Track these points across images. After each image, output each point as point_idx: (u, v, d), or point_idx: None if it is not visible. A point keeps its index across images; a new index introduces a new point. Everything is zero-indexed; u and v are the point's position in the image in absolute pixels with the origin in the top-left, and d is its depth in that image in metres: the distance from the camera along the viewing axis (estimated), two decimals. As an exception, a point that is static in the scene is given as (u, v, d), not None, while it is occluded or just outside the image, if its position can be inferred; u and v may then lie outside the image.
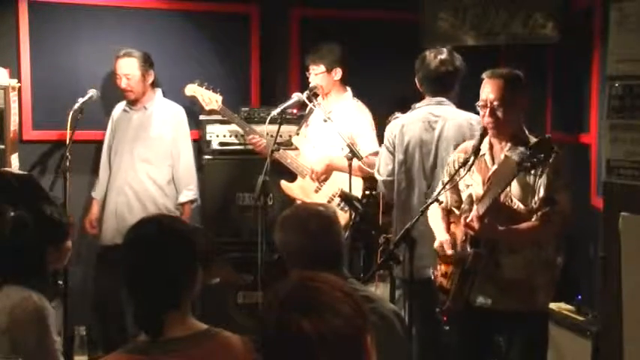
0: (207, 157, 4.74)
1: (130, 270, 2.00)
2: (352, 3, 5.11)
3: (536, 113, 4.85)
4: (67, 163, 4.15)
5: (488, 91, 3.18)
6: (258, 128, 4.44)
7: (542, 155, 2.94)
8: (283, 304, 1.39)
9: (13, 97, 4.36)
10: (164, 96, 4.70)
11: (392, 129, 3.91)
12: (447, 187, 3.28)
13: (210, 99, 4.53)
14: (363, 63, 4.87)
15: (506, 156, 3.15)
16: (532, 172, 3.07)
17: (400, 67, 5.06)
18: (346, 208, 3.99)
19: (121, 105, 4.67)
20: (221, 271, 4.61)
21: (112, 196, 4.59)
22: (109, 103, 4.78)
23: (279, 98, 4.56)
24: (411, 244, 2.98)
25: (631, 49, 3.39)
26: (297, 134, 4.51)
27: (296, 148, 4.46)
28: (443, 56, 3.84)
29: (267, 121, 4.19)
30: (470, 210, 3.19)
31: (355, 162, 3.99)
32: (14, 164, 4.29)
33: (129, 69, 4.50)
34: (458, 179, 3.26)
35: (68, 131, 4.26)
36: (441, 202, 3.34)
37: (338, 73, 4.38)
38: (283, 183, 4.43)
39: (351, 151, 3.93)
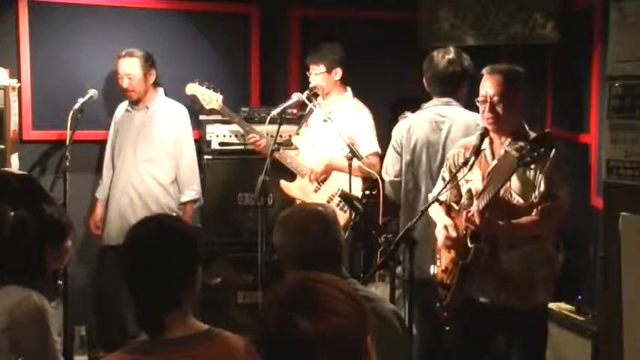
0: (207, 157, 4.74)
1: (131, 270, 2.00)
2: (352, 3, 5.11)
3: (536, 113, 4.86)
4: (67, 163, 4.15)
5: (487, 86, 3.19)
6: (258, 128, 4.44)
7: (543, 150, 2.95)
8: (283, 304, 1.39)
9: (13, 97, 4.36)
10: (165, 96, 4.71)
11: (399, 129, 3.91)
12: (448, 187, 3.29)
13: (211, 98, 4.53)
14: (363, 63, 4.87)
15: (506, 151, 3.15)
16: (532, 166, 3.08)
17: (400, 67, 5.10)
18: (346, 208, 3.99)
19: (124, 105, 4.68)
20: (221, 271, 4.62)
21: (115, 197, 4.60)
22: (109, 103, 4.79)
23: (279, 98, 4.56)
24: (411, 244, 2.98)
25: (631, 49, 3.39)
26: (297, 134, 4.51)
27: (296, 148, 4.46)
28: (451, 56, 3.84)
29: (267, 121, 4.19)
30: (470, 205, 3.20)
31: (355, 162, 3.99)
32: (14, 164, 4.29)
33: (131, 69, 4.50)
34: (459, 179, 3.26)
35: (68, 131, 4.26)
36: (442, 202, 3.34)
37: (338, 73, 4.38)
38: (283, 183, 4.43)
39: (351, 151, 3.93)
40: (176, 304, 1.97)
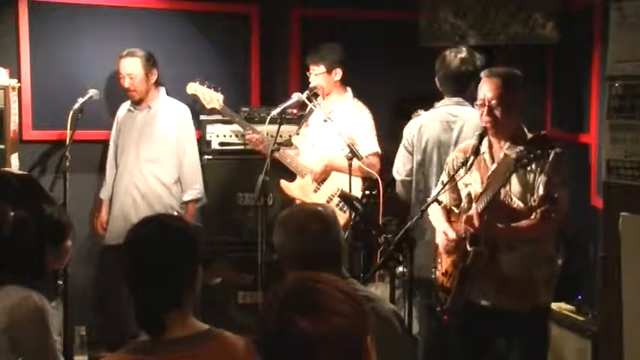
0: (207, 157, 4.74)
1: (131, 270, 2.00)
2: (352, 3, 5.11)
3: (536, 113, 4.86)
4: (67, 163, 4.15)
5: (486, 89, 3.19)
6: (259, 128, 4.44)
7: (539, 151, 2.95)
8: (283, 305, 1.39)
9: (13, 97, 4.36)
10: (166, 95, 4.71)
11: (410, 128, 3.89)
12: (447, 187, 3.29)
13: (212, 97, 4.53)
14: (363, 63, 4.87)
15: (505, 155, 3.15)
16: (529, 168, 3.08)
17: (400, 67, 5.10)
18: (346, 208, 3.99)
19: (126, 105, 4.68)
20: (221, 271, 4.62)
21: (118, 197, 4.60)
22: (109, 103, 4.79)
23: (279, 98, 4.56)
24: (411, 244, 2.98)
25: (631, 49, 3.39)
26: (297, 134, 4.51)
27: (296, 148, 4.46)
28: (463, 55, 3.83)
29: (267, 121, 4.19)
30: (469, 208, 3.20)
31: (355, 162, 3.99)
32: (14, 164, 4.29)
33: (132, 68, 4.50)
34: (457, 179, 3.26)
35: (68, 131, 4.26)
36: (441, 202, 3.34)
37: (338, 73, 4.38)
38: (283, 183, 4.43)
39: (351, 151, 3.93)
40: (176, 304, 1.97)
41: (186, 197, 4.64)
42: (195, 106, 4.70)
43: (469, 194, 3.28)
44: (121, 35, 4.78)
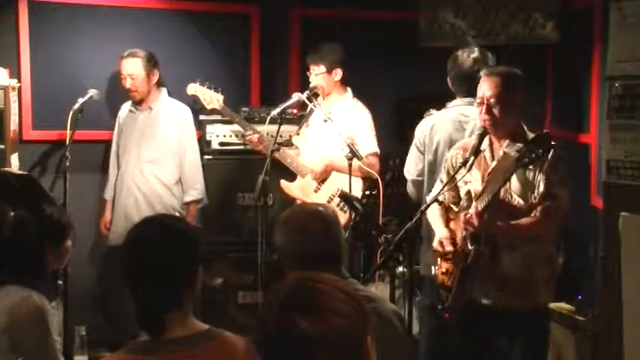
0: (207, 157, 4.74)
1: (132, 270, 2.00)
2: (352, 3, 5.11)
3: (536, 113, 4.86)
4: (67, 163, 4.15)
5: (485, 88, 3.19)
6: (259, 128, 4.44)
7: (541, 151, 2.95)
8: (283, 304, 1.39)
9: (13, 97, 4.36)
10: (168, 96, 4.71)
11: (422, 128, 3.86)
12: (447, 187, 3.29)
13: (212, 98, 4.53)
14: (363, 63, 4.87)
15: (505, 152, 3.15)
16: (531, 167, 3.07)
17: (400, 67, 5.10)
18: (346, 208, 3.99)
19: (127, 105, 4.68)
20: (221, 271, 4.62)
21: (120, 197, 4.61)
22: (109, 103, 4.79)
23: (279, 98, 4.56)
24: (411, 244, 2.98)
25: (631, 49, 3.39)
26: (298, 134, 4.51)
27: (296, 148, 4.46)
28: (475, 55, 3.81)
29: (267, 121, 4.19)
30: (469, 207, 3.20)
31: (355, 162, 3.99)
32: (14, 164, 4.29)
33: (133, 69, 4.50)
34: (457, 179, 3.26)
35: (68, 131, 4.27)
36: (441, 202, 3.34)
37: (338, 73, 4.38)
38: (283, 183, 4.43)
39: (351, 151, 3.93)
40: (177, 304, 1.97)
41: (188, 198, 4.64)
42: (196, 107, 4.70)
43: (468, 192, 3.28)
44: (121, 35, 4.78)
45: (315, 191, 4.35)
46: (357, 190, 4.18)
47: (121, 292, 2.05)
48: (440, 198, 3.27)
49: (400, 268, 3.93)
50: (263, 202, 4.01)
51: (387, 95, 5.10)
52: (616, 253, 3.35)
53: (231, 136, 4.74)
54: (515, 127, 3.22)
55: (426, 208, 3.19)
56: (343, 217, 3.91)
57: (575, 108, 4.60)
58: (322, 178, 4.34)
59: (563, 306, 4.03)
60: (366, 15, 5.15)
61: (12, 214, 2.45)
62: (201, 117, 4.74)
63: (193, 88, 4.57)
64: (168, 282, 1.96)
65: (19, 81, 4.59)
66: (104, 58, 4.72)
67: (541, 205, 3.11)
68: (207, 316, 2.50)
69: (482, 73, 3.27)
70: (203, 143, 4.75)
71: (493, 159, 3.23)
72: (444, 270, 3.30)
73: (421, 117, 3.97)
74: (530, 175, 3.14)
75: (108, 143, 4.80)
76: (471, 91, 3.78)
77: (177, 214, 4.47)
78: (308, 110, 4.49)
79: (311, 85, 4.31)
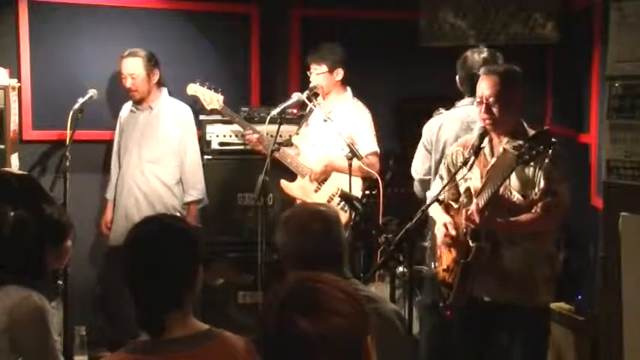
0: (207, 157, 4.74)
1: (132, 270, 2.00)
2: (352, 3, 5.11)
3: (536, 113, 4.86)
4: (67, 163, 4.15)
5: (484, 87, 3.19)
6: (259, 128, 4.44)
7: (542, 147, 2.95)
8: (283, 304, 1.39)
9: (13, 97, 4.36)
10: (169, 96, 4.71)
11: (430, 127, 3.85)
12: (447, 187, 3.29)
13: (212, 98, 4.53)
14: (363, 63, 4.87)
15: (504, 149, 3.15)
16: (531, 164, 3.07)
17: (400, 67, 5.10)
18: (346, 208, 3.99)
19: (128, 105, 4.68)
20: (221, 271, 4.61)
21: (121, 197, 4.61)
22: (109, 103, 4.80)
23: (279, 98, 4.56)
24: (411, 244, 2.98)
25: (631, 49, 3.40)
26: (297, 134, 4.51)
27: (296, 148, 4.46)
28: (485, 55, 3.80)
29: (267, 121, 4.19)
30: (469, 203, 3.20)
31: (355, 162, 3.99)
32: (14, 164, 4.29)
33: (134, 68, 4.50)
34: (458, 179, 3.26)
35: (68, 131, 4.26)
36: (441, 201, 3.34)
37: (339, 73, 4.38)
38: (283, 183, 4.43)
39: (351, 151, 3.93)
40: (177, 304, 1.97)
41: (188, 198, 4.64)
42: (196, 107, 4.70)
43: (468, 189, 3.27)
44: (121, 35, 4.78)
45: (316, 191, 4.35)
46: (357, 189, 4.18)
47: (121, 292, 2.05)
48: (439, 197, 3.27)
49: (400, 268, 3.92)
50: (263, 202, 4.01)
51: (387, 95, 5.10)
52: (616, 253, 3.35)
53: (231, 136, 4.74)
54: (515, 124, 3.22)
55: (427, 208, 3.19)
56: (343, 217, 3.91)
57: (575, 108, 4.60)
58: (322, 178, 4.34)
59: (563, 306, 4.03)
60: (366, 15, 5.15)
61: (12, 214, 2.45)
62: (201, 117, 4.74)
63: (193, 89, 4.57)
64: (169, 282, 1.96)
65: (19, 81, 4.59)
66: (104, 58, 4.72)
67: (542, 202, 3.11)
68: (207, 316, 2.50)
69: (481, 71, 3.27)
70: (203, 143, 4.75)
71: (492, 155, 3.23)
72: (445, 267, 3.30)
73: (425, 116, 3.97)
74: (529, 171, 3.14)
75: (108, 143, 4.80)
76: None
77: (178, 214, 4.47)
78: (308, 110, 4.49)
79: (311, 85, 4.31)
